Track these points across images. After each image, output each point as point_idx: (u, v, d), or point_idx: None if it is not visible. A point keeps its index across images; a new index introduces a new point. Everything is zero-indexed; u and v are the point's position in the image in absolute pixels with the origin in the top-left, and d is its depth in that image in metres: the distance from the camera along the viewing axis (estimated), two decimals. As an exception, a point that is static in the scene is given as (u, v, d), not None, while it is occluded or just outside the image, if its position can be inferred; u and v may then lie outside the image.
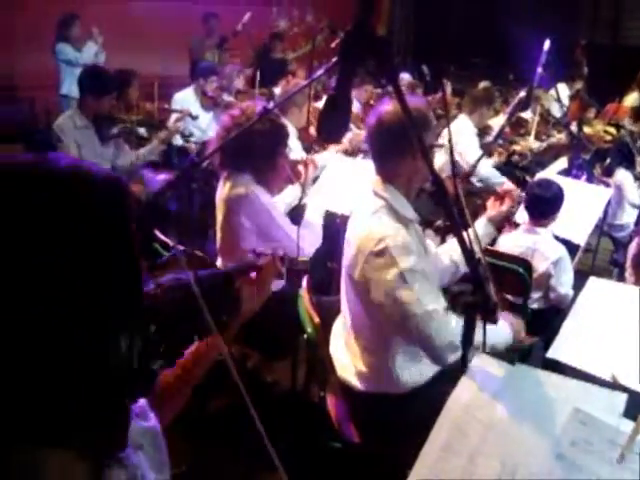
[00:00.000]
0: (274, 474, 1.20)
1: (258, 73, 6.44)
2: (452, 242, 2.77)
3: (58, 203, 0.89)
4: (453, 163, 1.68)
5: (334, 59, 1.62)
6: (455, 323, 2.20)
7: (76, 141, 4.56)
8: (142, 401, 1.19)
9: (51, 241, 0.88)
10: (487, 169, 5.52)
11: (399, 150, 2.32)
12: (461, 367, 1.53)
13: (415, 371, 2.42)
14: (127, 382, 0.99)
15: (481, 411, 1.36)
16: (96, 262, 0.92)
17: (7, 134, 7.31)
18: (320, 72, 2.07)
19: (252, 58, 8.04)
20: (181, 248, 1.31)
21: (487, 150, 5.18)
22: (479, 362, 1.49)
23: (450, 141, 1.66)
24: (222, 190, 3.18)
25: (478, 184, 5.40)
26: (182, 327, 1.34)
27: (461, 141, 5.48)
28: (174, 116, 5.91)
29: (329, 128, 1.54)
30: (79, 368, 0.90)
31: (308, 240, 3.08)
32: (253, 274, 1.61)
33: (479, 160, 4.63)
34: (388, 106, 2.36)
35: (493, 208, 2.88)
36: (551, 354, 2.15)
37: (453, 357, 2.26)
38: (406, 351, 2.39)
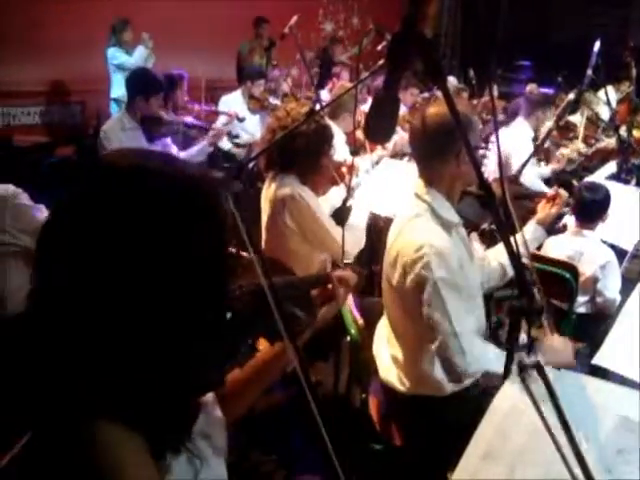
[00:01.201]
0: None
1: (310, 76, 6.45)
2: (502, 245, 2.75)
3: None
4: (501, 166, 1.67)
5: (380, 62, 1.62)
6: (490, 352, 2.20)
7: (122, 144, 4.53)
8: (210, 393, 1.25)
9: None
10: (530, 178, 5.44)
11: (443, 153, 2.30)
12: (504, 371, 1.51)
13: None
14: (200, 379, 1.05)
15: (524, 416, 1.34)
16: (204, 262, 1.03)
17: (60, 137, 7.49)
18: (367, 74, 2.08)
19: (311, 61, 8.05)
20: (256, 255, 1.34)
21: (534, 154, 5.10)
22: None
23: (498, 144, 1.65)
24: (267, 191, 3.21)
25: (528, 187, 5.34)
26: (257, 330, 1.39)
27: (513, 145, 5.41)
28: (221, 118, 5.98)
29: (376, 129, 1.54)
30: (161, 359, 0.98)
31: (350, 243, 3.07)
32: (329, 285, 1.63)
33: (524, 165, 4.57)
34: (432, 108, 2.34)
35: (543, 211, 2.85)
36: (597, 360, 2.12)
37: (469, 381, 2.29)
38: None
